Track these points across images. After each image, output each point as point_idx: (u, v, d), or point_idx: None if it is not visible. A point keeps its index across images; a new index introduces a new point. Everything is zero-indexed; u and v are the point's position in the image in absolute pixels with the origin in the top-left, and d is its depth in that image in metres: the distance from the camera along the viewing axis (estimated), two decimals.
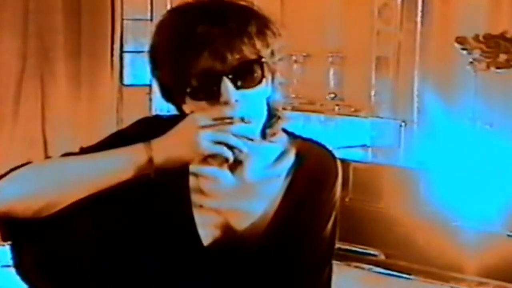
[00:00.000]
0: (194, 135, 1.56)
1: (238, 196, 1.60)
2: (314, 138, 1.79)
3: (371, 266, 2.84)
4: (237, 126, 1.56)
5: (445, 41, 3.71)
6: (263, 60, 1.59)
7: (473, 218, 3.41)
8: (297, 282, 1.70)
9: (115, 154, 1.61)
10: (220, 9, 1.59)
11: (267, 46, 1.61)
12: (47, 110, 4.48)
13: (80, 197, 1.60)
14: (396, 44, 3.93)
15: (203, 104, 1.58)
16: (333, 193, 1.72)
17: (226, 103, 1.56)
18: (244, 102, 1.58)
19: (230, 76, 1.56)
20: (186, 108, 1.63)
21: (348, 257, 2.86)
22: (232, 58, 1.55)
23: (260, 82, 1.60)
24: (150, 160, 1.57)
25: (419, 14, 3.84)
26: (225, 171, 1.64)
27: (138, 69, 4.65)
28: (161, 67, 1.62)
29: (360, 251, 2.94)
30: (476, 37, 3.55)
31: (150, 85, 4.59)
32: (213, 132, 1.55)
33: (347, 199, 3.72)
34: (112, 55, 4.63)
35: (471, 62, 3.58)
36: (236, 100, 1.56)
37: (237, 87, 1.56)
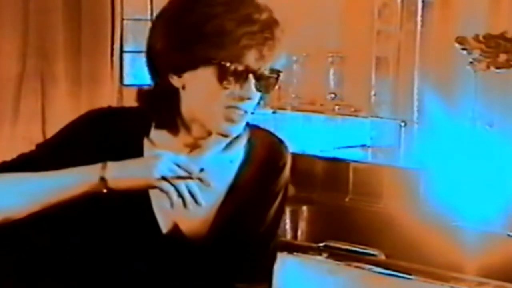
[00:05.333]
0: (152, 163, 1.62)
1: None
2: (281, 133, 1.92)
3: (371, 266, 2.84)
4: (192, 185, 1.61)
5: (445, 41, 3.70)
6: (280, 73, 1.69)
7: (473, 218, 3.41)
8: (241, 262, 1.80)
9: (68, 173, 1.66)
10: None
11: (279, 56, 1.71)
12: (47, 110, 4.47)
13: (34, 211, 1.64)
14: (396, 44, 3.92)
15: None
16: (279, 180, 1.82)
17: (245, 99, 1.64)
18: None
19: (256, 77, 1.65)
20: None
21: (348, 257, 2.85)
22: (267, 60, 1.65)
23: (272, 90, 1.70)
24: (102, 179, 1.61)
25: (419, 14, 3.84)
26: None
27: (138, 69, 4.64)
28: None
29: (360, 251, 2.93)
30: (476, 37, 3.54)
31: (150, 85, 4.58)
32: (169, 170, 1.60)
33: (347, 199, 3.71)
34: (112, 55, 4.63)
35: (471, 62, 3.57)
36: (250, 98, 1.64)
37: (257, 89, 1.66)
